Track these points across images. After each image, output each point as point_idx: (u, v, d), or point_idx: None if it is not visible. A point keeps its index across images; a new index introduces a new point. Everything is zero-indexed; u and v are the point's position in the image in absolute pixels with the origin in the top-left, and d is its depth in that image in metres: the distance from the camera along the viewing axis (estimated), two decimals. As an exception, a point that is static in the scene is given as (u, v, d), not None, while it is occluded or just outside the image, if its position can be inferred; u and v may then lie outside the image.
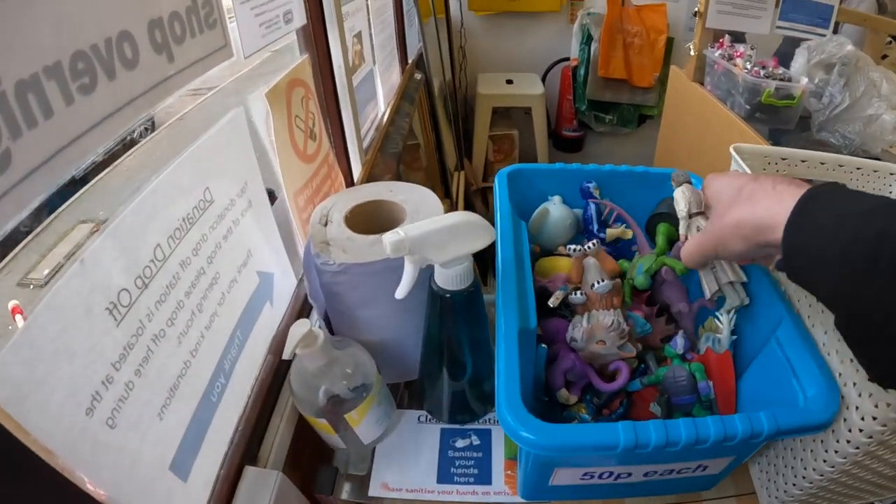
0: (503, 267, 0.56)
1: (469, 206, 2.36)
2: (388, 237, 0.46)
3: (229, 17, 0.56)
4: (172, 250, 0.49)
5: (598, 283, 0.61)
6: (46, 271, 0.47)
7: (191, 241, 0.52)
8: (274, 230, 0.69)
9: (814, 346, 0.53)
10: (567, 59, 2.57)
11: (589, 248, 0.65)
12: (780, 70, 1.63)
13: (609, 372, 0.63)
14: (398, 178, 1.00)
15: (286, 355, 0.54)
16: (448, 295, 0.53)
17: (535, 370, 0.59)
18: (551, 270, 0.70)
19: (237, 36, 0.59)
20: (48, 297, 0.35)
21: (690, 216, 0.58)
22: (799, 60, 1.69)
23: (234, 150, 0.58)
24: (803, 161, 0.89)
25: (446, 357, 0.59)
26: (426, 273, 0.54)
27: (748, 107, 1.56)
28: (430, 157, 1.74)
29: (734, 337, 0.62)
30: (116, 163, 0.51)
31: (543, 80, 2.65)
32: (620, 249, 0.75)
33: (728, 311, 0.61)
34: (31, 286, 0.47)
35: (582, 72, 2.44)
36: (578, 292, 0.62)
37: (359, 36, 1.06)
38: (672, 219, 0.70)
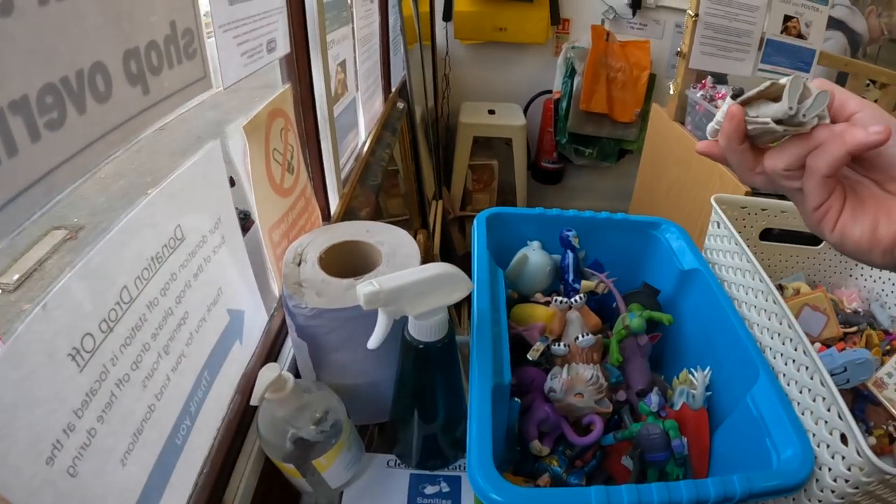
0: (479, 318, 0.57)
1: (446, 235, 2.38)
2: (363, 288, 0.46)
3: (208, 35, 0.55)
4: (140, 291, 0.48)
5: (582, 336, 0.62)
6: (17, 276, 0.46)
7: (159, 280, 0.51)
8: (246, 265, 0.68)
9: (789, 405, 0.54)
10: (550, 91, 2.62)
11: (575, 301, 0.66)
12: None
13: (583, 425, 0.63)
14: (377, 211, 1.00)
15: (254, 401, 0.53)
16: (422, 346, 0.52)
17: (509, 422, 0.59)
18: (528, 318, 0.70)
19: (217, 65, 0.59)
20: (9, 344, 0.34)
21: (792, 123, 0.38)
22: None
23: (208, 184, 0.58)
24: (783, 212, 0.92)
25: (418, 404, 0.59)
26: (401, 320, 0.53)
27: (727, 149, 1.61)
28: (410, 186, 1.75)
29: (709, 393, 0.63)
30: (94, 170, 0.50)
31: (525, 111, 2.70)
32: (599, 306, 0.77)
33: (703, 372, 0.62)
34: (1, 291, 0.45)
35: (564, 105, 2.49)
36: (560, 344, 0.63)
37: (343, 64, 1.07)
38: (646, 298, 0.72)
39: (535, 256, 0.74)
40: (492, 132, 2.55)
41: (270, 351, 0.73)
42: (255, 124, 0.64)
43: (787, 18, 1.78)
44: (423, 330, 0.51)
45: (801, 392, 0.55)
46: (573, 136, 2.55)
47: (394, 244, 0.64)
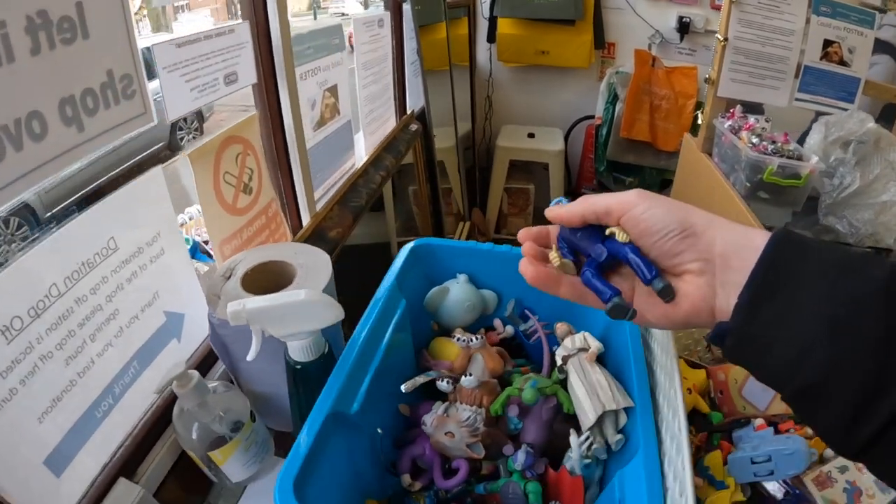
0: (348, 347, 0.63)
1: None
2: (231, 306, 0.55)
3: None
4: (69, 288, 0.61)
5: (468, 376, 0.67)
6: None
7: (89, 281, 0.63)
8: (191, 275, 0.79)
9: (658, 496, 0.50)
10: (592, 116, 2.66)
11: (472, 341, 0.70)
12: (792, 146, 1.62)
13: (452, 468, 0.66)
14: (346, 231, 1.10)
15: (154, 391, 0.63)
16: (298, 366, 0.61)
17: (382, 451, 0.65)
18: (441, 354, 0.76)
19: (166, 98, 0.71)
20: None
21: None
22: (815, 137, 1.70)
23: (148, 205, 0.69)
24: None
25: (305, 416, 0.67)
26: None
27: (748, 184, 1.59)
28: (424, 208, 1.85)
29: (587, 461, 0.62)
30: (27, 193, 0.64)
31: (567, 136, 2.75)
32: (537, 352, 0.80)
33: (586, 442, 0.62)
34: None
35: (604, 131, 2.52)
36: (446, 380, 0.68)
37: (333, 89, 1.18)
38: None
39: (456, 291, 0.79)
40: (528, 156, 2.62)
41: (212, 352, 0.83)
42: (203, 151, 0.76)
43: (827, 43, 1.73)
44: (296, 350, 0.60)
45: (674, 480, 0.50)
46: (613, 164, 2.58)
47: (311, 266, 0.73)
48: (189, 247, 1.29)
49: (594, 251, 0.46)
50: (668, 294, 0.42)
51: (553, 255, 0.47)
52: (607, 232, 0.45)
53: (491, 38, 2.63)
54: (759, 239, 0.39)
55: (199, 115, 5.43)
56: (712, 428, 0.78)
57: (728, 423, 0.78)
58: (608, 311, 0.44)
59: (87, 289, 0.62)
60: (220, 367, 0.83)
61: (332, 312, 0.58)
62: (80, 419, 0.63)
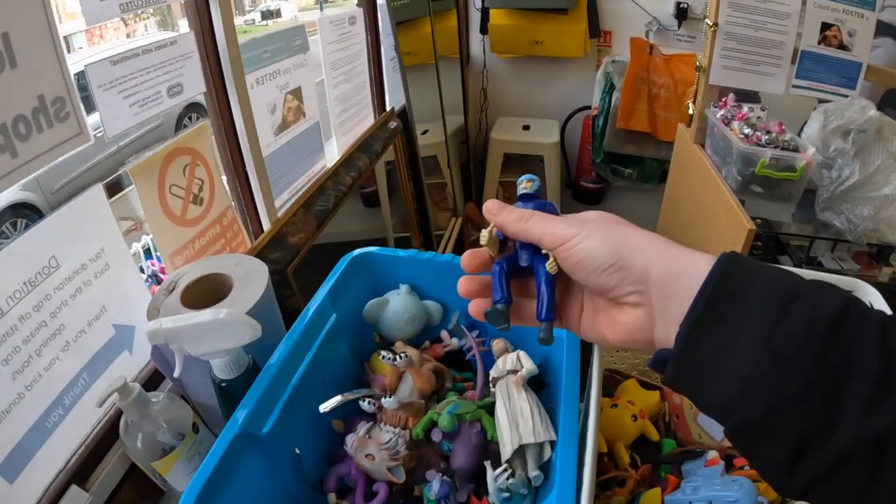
0: (268, 365, 0.64)
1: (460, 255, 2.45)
2: (149, 326, 0.57)
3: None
4: (11, 307, 0.63)
5: (388, 397, 0.66)
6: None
7: (32, 299, 0.66)
8: (140, 288, 0.81)
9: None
10: (589, 107, 2.65)
11: (396, 359, 0.68)
12: (788, 136, 1.58)
13: (372, 490, 0.67)
14: (310, 236, 1.12)
15: (96, 404, 0.66)
16: (223, 383, 0.63)
17: (307, 469, 0.66)
18: (380, 369, 0.77)
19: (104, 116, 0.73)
20: None
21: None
22: (812, 126, 1.66)
23: (89, 222, 0.71)
24: None
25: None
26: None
27: (740, 178, 1.56)
28: (408, 206, 1.86)
29: (505, 495, 0.62)
30: None
31: (564, 127, 2.74)
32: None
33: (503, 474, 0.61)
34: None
35: (601, 122, 2.51)
36: (368, 400, 0.68)
37: (296, 92, 1.19)
38: None
39: (396, 302, 0.80)
40: (523, 149, 2.62)
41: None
42: (146, 166, 0.78)
43: (825, 27, 1.69)
44: (219, 367, 0.62)
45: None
46: (611, 156, 2.56)
47: (248, 279, 0.75)
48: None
49: (521, 255, 0.46)
50: (545, 342, 0.43)
51: (484, 232, 0.46)
52: (543, 251, 0.45)
53: (483, 29, 2.63)
54: (702, 264, 0.38)
55: (204, 110, 5.49)
56: (660, 459, 0.76)
57: (679, 452, 0.76)
58: (485, 313, 0.44)
59: (29, 307, 0.65)
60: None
61: (248, 331, 0.60)
62: (30, 429, 0.66)
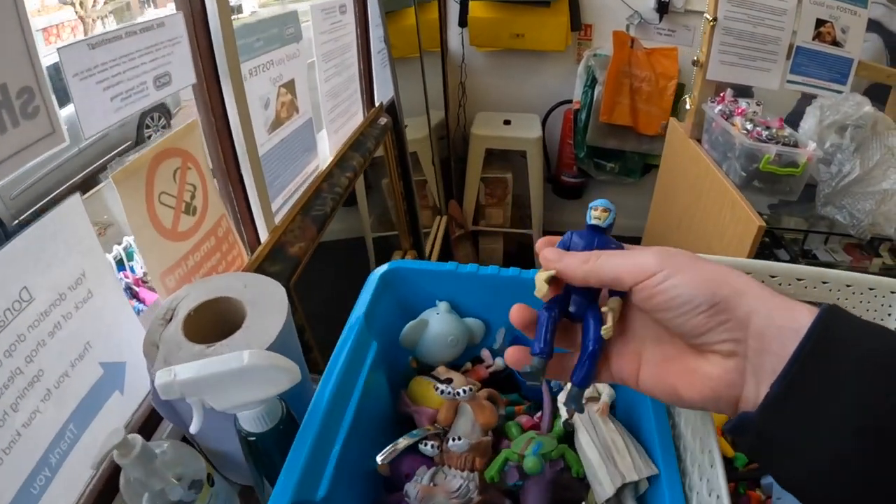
0: (310, 412, 0.52)
1: (448, 255, 2.35)
2: (159, 377, 0.44)
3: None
4: None
5: (457, 438, 0.56)
6: None
7: (1, 344, 0.52)
8: (129, 317, 0.68)
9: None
10: (570, 101, 2.56)
11: (460, 393, 0.59)
12: (787, 132, 1.54)
13: None
14: (309, 244, 0.99)
15: (91, 466, 0.52)
16: (252, 437, 0.50)
17: None
18: (421, 399, 0.66)
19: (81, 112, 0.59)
20: None
21: None
22: (809, 121, 1.64)
23: (66, 241, 0.57)
24: (773, 277, 0.81)
25: (267, 481, 0.56)
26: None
27: (744, 173, 1.51)
28: (398, 205, 1.73)
29: None
30: None
31: (544, 122, 2.65)
32: (535, 390, 0.71)
33: None
34: None
35: (583, 116, 2.43)
36: (430, 444, 0.58)
37: (290, 85, 1.06)
38: None
39: (436, 323, 0.69)
40: (505, 144, 2.52)
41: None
42: (130, 171, 0.64)
43: (819, 23, 1.66)
44: (248, 420, 0.49)
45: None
46: (593, 150, 2.49)
47: (263, 304, 0.62)
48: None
49: (573, 300, 0.40)
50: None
51: (540, 280, 0.40)
52: (602, 308, 0.39)
53: (462, 22, 2.51)
54: (802, 317, 0.32)
55: (166, 111, 5.15)
56: (738, 475, 0.69)
57: (757, 468, 0.69)
58: (522, 370, 0.40)
59: (0, 352, 0.51)
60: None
61: (287, 378, 0.47)
62: (14, 499, 0.52)
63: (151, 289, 1.10)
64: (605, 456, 0.54)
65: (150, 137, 4.93)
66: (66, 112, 0.57)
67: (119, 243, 1.12)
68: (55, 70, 0.56)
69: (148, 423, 0.69)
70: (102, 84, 0.60)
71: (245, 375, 0.45)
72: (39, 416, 0.56)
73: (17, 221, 3.45)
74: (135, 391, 0.69)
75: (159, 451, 0.56)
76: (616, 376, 0.41)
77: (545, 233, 2.63)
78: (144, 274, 1.11)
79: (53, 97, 0.54)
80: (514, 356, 0.41)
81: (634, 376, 0.40)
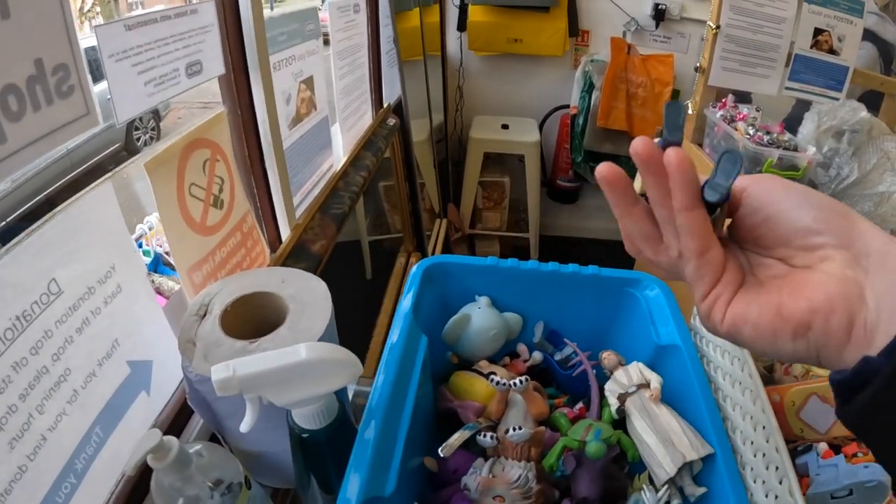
0: (372, 408, 0.49)
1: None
2: (216, 373, 0.40)
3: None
4: (3, 352, 0.45)
5: (516, 428, 0.54)
6: None
7: (29, 339, 0.47)
8: (156, 312, 0.64)
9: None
10: (567, 106, 2.55)
11: (516, 384, 0.58)
12: (787, 136, 1.55)
13: None
14: (329, 242, 0.95)
15: (127, 470, 0.48)
16: (306, 434, 0.47)
17: None
18: (465, 393, 0.63)
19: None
20: None
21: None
22: (808, 126, 1.64)
23: (95, 232, 0.53)
24: None
25: (316, 477, 0.53)
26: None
27: (746, 176, 1.50)
28: (404, 206, 1.70)
29: None
30: None
31: (541, 126, 2.63)
32: (574, 383, 0.69)
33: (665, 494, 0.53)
34: None
35: (581, 121, 2.41)
36: (489, 435, 0.56)
37: (309, 81, 1.02)
38: None
39: (478, 319, 0.66)
40: (503, 148, 2.49)
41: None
42: (162, 160, 0.60)
43: (817, 32, 1.67)
44: (304, 417, 0.45)
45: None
46: (589, 154, 2.47)
47: (305, 300, 0.58)
48: (150, 260, 1.10)
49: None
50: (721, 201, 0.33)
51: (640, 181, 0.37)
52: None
53: (461, 26, 2.48)
54: None
55: (156, 114, 5.00)
56: None
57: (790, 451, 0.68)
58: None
59: (26, 349, 0.47)
60: (199, 418, 0.68)
61: (348, 372, 0.43)
62: None
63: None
64: (662, 439, 0.54)
65: (139, 140, 4.80)
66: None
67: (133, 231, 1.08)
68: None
69: (175, 425, 0.65)
70: (137, 67, 0.57)
71: (305, 370, 0.41)
72: (65, 418, 0.51)
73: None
74: (161, 391, 0.65)
75: (194, 454, 0.52)
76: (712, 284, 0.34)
77: (541, 237, 2.62)
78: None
79: (89, 76, 0.50)
80: (605, 171, 0.36)
81: (723, 310, 0.33)
